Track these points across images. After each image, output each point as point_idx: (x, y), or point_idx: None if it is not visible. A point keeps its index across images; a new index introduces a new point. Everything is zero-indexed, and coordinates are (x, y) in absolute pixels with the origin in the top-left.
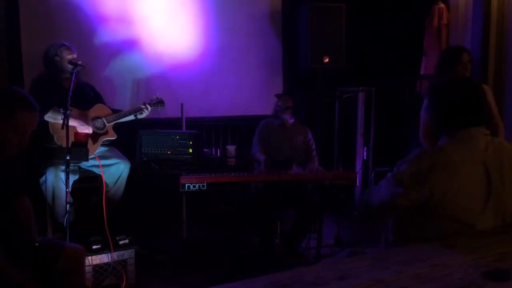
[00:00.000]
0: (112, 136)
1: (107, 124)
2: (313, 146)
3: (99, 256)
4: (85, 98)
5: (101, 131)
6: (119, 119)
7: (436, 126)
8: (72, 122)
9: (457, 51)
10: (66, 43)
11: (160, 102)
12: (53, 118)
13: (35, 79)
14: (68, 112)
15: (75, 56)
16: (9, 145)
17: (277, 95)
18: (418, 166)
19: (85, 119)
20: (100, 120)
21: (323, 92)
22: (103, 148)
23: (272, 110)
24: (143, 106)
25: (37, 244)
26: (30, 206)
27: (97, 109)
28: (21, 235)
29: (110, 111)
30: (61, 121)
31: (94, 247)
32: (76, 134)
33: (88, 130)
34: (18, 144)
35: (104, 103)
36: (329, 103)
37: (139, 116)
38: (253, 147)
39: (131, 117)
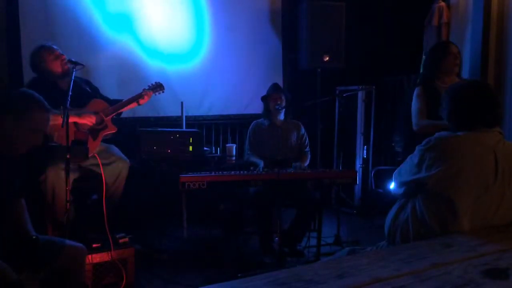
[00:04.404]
0: (112, 130)
1: (105, 118)
2: (306, 142)
3: (99, 255)
4: (82, 95)
5: (100, 126)
6: (117, 110)
7: (454, 123)
8: (71, 119)
9: (445, 43)
10: (45, 44)
11: (159, 86)
12: (52, 119)
13: (29, 82)
14: (67, 110)
15: (57, 53)
16: (21, 145)
17: (264, 98)
18: (435, 149)
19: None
20: (97, 115)
21: (323, 90)
22: (102, 147)
23: (262, 111)
24: (143, 93)
25: (34, 236)
26: (24, 206)
27: (93, 105)
28: (17, 234)
29: (107, 105)
30: (60, 120)
31: (94, 245)
32: (76, 132)
33: (90, 118)
34: (30, 144)
35: (102, 96)
36: (329, 101)
37: (141, 102)
38: (245, 151)
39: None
